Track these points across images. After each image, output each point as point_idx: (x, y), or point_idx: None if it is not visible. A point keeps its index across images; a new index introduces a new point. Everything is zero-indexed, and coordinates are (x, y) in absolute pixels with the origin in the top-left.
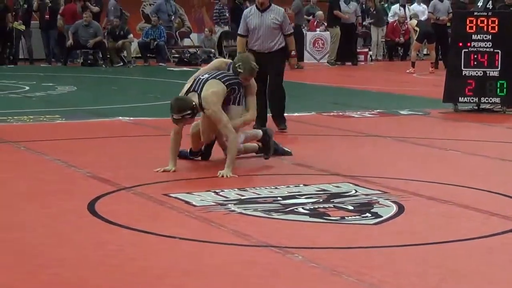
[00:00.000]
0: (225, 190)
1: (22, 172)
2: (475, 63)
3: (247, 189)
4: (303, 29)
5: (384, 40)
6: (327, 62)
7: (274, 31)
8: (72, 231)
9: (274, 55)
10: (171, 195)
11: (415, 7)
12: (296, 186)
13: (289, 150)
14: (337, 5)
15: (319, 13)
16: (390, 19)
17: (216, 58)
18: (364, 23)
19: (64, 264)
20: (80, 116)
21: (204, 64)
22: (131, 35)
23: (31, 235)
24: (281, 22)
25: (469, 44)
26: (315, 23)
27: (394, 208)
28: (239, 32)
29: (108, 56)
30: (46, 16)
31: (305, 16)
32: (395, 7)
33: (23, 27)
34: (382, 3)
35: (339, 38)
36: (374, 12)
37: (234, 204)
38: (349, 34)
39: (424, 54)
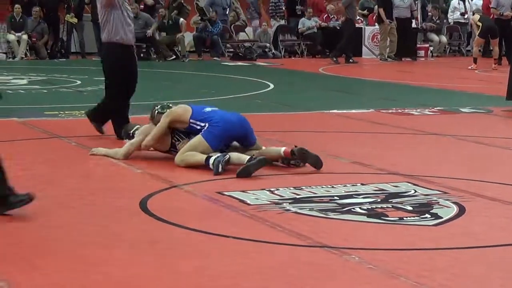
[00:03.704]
0: (280, 189)
1: (73, 169)
2: None
3: (303, 188)
4: (361, 24)
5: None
6: (379, 58)
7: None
8: (124, 229)
9: None
10: (225, 193)
11: (477, 1)
12: (353, 186)
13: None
14: (384, 1)
15: None
16: (450, 16)
17: (273, 53)
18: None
19: (115, 263)
20: (132, 111)
21: (260, 59)
22: (183, 20)
23: (82, 233)
24: None
25: None
26: (373, 18)
27: (454, 209)
28: None
29: (161, 50)
30: None
31: (359, 11)
32: (454, 2)
33: (75, 20)
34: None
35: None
36: (438, 21)
37: (290, 203)
38: (405, 29)
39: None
